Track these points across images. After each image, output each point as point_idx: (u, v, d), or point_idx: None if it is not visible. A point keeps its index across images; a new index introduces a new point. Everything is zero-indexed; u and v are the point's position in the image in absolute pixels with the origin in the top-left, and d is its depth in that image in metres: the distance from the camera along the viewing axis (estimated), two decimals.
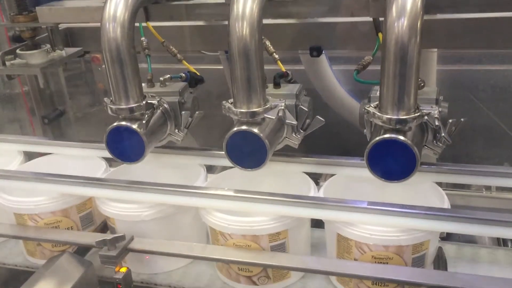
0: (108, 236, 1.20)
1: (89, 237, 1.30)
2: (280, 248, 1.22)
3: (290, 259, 1.19)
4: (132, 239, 1.23)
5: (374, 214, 1.11)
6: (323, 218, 1.20)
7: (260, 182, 1.37)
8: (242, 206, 1.21)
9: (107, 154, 1.30)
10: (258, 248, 1.20)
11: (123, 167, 1.43)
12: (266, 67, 1.15)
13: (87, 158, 1.52)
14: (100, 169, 1.45)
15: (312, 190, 1.27)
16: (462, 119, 1.12)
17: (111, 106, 1.22)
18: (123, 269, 1.17)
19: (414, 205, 1.11)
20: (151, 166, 1.44)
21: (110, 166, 1.48)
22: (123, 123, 1.21)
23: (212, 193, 1.23)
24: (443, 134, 1.10)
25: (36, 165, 1.54)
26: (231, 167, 1.27)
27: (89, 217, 1.43)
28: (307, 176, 1.32)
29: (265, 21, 1.12)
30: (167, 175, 1.43)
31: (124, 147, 1.24)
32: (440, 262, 1.21)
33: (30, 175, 1.38)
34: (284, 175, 1.37)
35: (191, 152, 1.41)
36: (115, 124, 1.22)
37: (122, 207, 1.29)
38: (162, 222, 1.29)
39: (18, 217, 1.38)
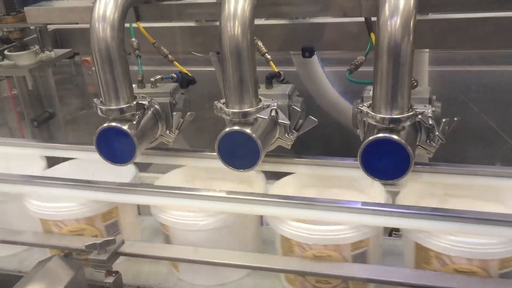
0: (98, 240, 1.18)
1: (79, 241, 1.27)
2: (362, 257, 1.18)
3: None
4: (122, 242, 1.21)
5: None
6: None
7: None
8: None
9: None
10: (340, 258, 1.16)
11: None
12: (258, 68, 1.14)
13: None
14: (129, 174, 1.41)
15: None
16: (455, 118, 1.12)
17: (101, 107, 1.20)
18: (113, 273, 1.15)
19: None
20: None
21: None
22: (113, 124, 1.19)
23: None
24: (437, 133, 1.09)
25: (61, 170, 1.50)
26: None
27: (115, 226, 1.37)
28: None
29: (257, 22, 1.11)
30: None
31: (115, 148, 1.22)
32: None
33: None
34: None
35: (182, 154, 1.39)
36: (105, 125, 1.20)
37: (179, 215, 1.25)
38: (221, 231, 1.25)
39: (44, 223, 1.34)
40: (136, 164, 1.42)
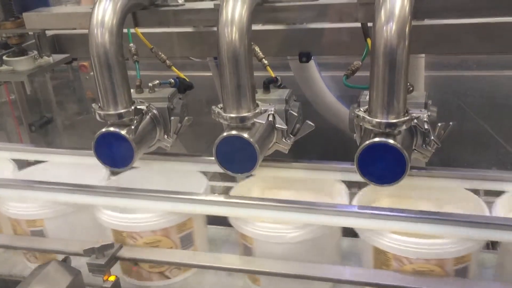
0: (96, 244, 1.18)
1: (77, 246, 1.27)
2: (463, 272, 1.12)
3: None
4: (120, 247, 1.21)
5: None
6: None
7: None
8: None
9: None
10: (442, 272, 1.10)
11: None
12: (255, 73, 1.15)
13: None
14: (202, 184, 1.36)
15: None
16: (451, 123, 1.13)
17: (100, 112, 1.21)
18: (112, 278, 1.15)
19: None
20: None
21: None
22: (112, 128, 1.20)
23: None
24: (432, 138, 1.10)
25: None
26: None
27: (189, 237, 1.32)
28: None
29: (254, 27, 1.12)
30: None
31: (113, 153, 1.23)
32: None
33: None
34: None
35: (181, 158, 1.39)
36: (103, 130, 1.21)
37: (266, 227, 1.20)
38: (308, 244, 1.19)
39: (116, 233, 1.29)
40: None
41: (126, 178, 1.43)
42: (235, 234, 1.31)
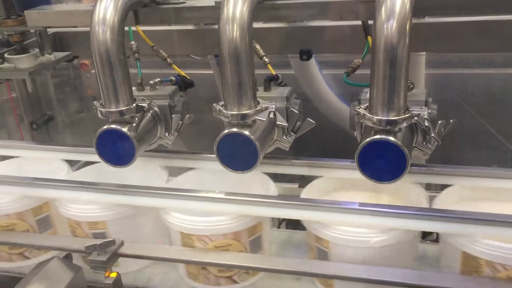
0: (97, 241, 1.19)
1: (79, 243, 1.28)
2: None
3: None
4: (122, 243, 1.22)
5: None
6: None
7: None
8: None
9: None
10: None
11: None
12: (256, 71, 1.16)
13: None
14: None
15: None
16: (451, 120, 1.14)
17: (101, 109, 1.21)
18: (113, 274, 1.16)
19: None
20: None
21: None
22: (113, 126, 1.20)
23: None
24: (432, 135, 1.11)
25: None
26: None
27: (258, 242, 1.30)
28: None
29: (255, 25, 1.13)
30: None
31: (114, 150, 1.23)
32: None
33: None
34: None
35: (181, 156, 1.40)
36: (104, 127, 1.21)
37: (348, 231, 1.15)
38: (391, 249, 1.14)
39: (184, 236, 1.27)
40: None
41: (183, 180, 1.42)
42: (304, 237, 1.30)
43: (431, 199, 1.23)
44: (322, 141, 1.79)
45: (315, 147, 1.74)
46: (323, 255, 1.22)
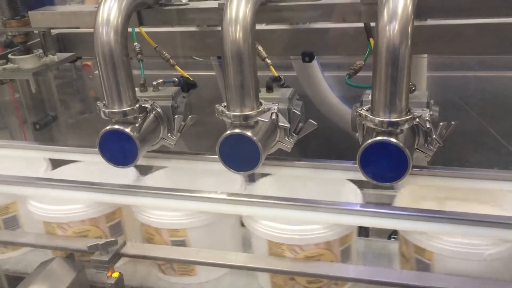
0: (100, 240, 1.19)
1: (81, 242, 1.28)
2: None
3: None
4: (124, 244, 1.22)
5: None
6: None
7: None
8: None
9: None
10: None
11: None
12: (259, 73, 1.16)
13: None
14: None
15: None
16: (453, 122, 1.14)
17: (104, 109, 1.22)
18: (115, 274, 1.16)
19: None
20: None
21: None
22: (116, 126, 1.21)
23: None
24: (434, 137, 1.11)
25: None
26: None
27: (348, 251, 1.25)
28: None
29: (257, 27, 1.13)
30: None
31: (117, 150, 1.24)
32: None
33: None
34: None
35: (183, 156, 1.40)
36: (108, 127, 1.22)
37: (453, 242, 1.09)
38: (502, 262, 1.09)
39: (272, 245, 1.20)
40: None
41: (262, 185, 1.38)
42: (384, 246, 1.29)
43: None
44: (324, 142, 1.80)
45: (317, 149, 1.75)
46: (424, 267, 1.16)
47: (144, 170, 1.46)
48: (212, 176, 1.36)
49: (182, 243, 1.28)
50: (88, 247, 1.18)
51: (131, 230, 1.41)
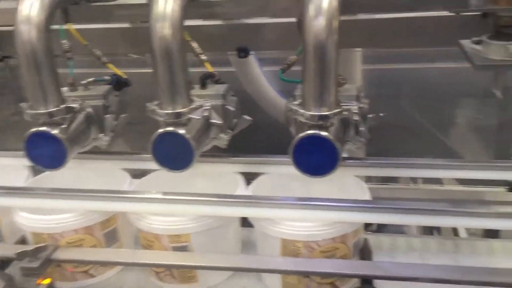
0: (29, 247, 1.15)
1: (9, 249, 1.23)
2: None
3: None
4: (55, 249, 1.18)
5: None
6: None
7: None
8: None
9: None
10: None
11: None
12: (195, 69, 1.15)
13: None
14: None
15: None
16: (381, 114, 1.17)
17: (29, 111, 1.17)
18: (46, 281, 1.12)
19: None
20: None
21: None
22: (42, 128, 1.16)
23: None
24: (361, 128, 1.14)
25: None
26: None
27: (358, 246, 1.22)
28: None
29: (192, 22, 1.12)
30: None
31: (45, 153, 1.19)
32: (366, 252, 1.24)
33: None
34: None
35: (115, 157, 1.37)
36: (33, 129, 1.17)
37: None
38: None
39: (288, 243, 1.15)
40: None
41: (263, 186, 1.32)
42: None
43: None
44: (264, 137, 1.80)
45: (257, 144, 1.75)
46: None
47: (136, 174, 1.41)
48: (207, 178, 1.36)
49: (184, 249, 1.22)
50: (16, 254, 1.13)
51: (126, 236, 1.35)
